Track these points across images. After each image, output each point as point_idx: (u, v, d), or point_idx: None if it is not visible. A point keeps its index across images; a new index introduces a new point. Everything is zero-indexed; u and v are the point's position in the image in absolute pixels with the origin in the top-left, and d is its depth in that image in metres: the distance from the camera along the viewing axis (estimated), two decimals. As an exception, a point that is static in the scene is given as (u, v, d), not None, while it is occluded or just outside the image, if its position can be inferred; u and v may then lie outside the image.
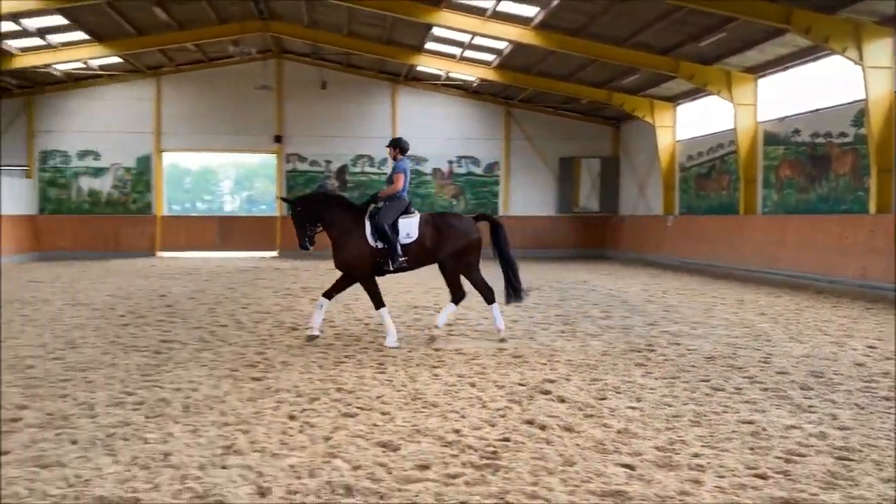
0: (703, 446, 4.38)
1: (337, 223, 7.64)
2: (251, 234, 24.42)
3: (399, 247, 7.61)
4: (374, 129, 24.51)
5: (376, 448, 4.35)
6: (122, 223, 23.74)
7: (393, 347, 7.43)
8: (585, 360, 6.91)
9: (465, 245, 7.72)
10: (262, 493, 3.67)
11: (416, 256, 7.73)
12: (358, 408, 5.23)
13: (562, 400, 5.45)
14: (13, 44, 19.54)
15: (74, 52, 20.61)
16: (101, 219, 23.64)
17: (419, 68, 22.73)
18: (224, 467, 4.01)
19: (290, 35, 21.48)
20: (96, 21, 18.92)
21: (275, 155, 24.59)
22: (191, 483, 3.76)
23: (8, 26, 18.09)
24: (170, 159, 24.74)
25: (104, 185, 23.78)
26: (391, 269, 7.68)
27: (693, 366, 6.68)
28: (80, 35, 19.79)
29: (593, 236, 25.01)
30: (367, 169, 24.71)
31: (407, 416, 5.01)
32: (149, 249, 23.63)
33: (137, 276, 16.38)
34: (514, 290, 7.92)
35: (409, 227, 7.67)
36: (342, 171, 24.63)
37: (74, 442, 4.41)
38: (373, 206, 7.74)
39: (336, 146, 24.50)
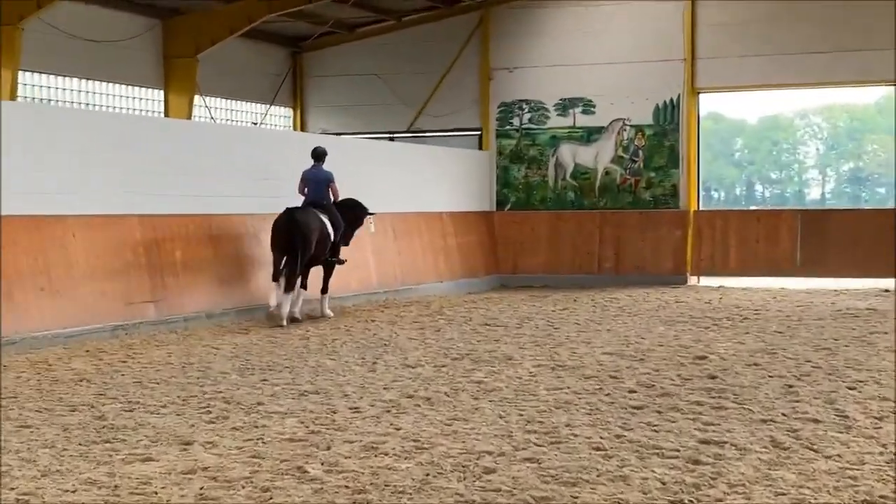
0: None
1: None
2: (858, 244, 24.08)
3: None
4: None
5: None
6: (627, 224, 25.52)
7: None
8: None
9: None
10: None
11: None
12: None
13: None
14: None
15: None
16: (588, 217, 25.71)
17: None
18: None
19: None
20: None
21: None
22: None
23: None
24: (709, 106, 25.85)
25: (601, 157, 25.99)
26: None
27: None
28: None
29: None
30: None
31: None
32: (674, 270, 25.08)
33: (654, 318, 17.51)
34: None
35: None
36: None
37: None
38: None
39: None
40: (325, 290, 17.96)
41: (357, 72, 27.78)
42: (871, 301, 20.38)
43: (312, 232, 16.69)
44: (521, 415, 9.40)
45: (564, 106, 26.14)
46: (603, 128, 25.89)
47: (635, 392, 10.52)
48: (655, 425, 8.87)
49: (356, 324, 17.12)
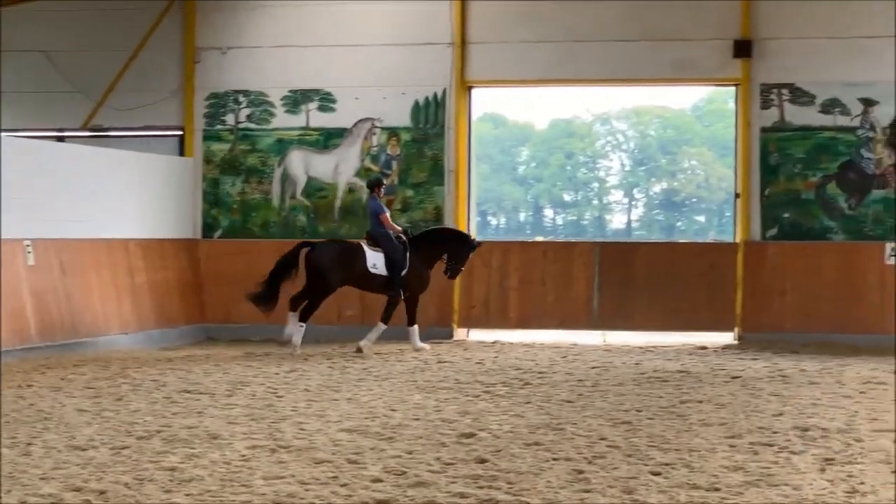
0: None
1: None
2: (671, 287, 24.83)
3: None
4: None
5: None
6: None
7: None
8: None
9: None
10: None
11: None
12: None
13: None
14: None
15: None
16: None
17: None
18: None
19: None
20: None
21: (733, 87, 25.18)
22: None
23: None
24: (485, 105, 26.30)
25: (342, 168, 26.12)
26: None
27: None
28: None
29: None
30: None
31: None
32: (436, 321, 25.47)
33: (408, 383, 17.79)
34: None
35: None
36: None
37: None
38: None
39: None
40: (410, 322, 23.11)
41: (13, 47, 27.15)
42: (685, 361, 21.06)
43: (328, 268, 22.59)
44: (228, 513, 9.30)
45: (295, 100, 26.24)
46: (346, 130, 26.06)
47: (381, 481, 10.51)
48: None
49: (5, 390, 16.66)
